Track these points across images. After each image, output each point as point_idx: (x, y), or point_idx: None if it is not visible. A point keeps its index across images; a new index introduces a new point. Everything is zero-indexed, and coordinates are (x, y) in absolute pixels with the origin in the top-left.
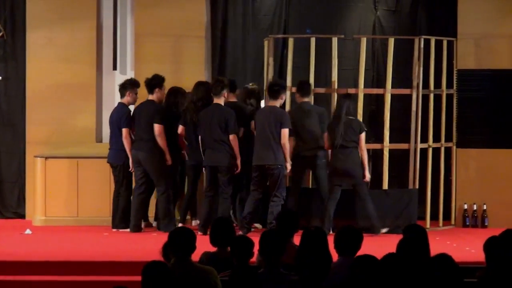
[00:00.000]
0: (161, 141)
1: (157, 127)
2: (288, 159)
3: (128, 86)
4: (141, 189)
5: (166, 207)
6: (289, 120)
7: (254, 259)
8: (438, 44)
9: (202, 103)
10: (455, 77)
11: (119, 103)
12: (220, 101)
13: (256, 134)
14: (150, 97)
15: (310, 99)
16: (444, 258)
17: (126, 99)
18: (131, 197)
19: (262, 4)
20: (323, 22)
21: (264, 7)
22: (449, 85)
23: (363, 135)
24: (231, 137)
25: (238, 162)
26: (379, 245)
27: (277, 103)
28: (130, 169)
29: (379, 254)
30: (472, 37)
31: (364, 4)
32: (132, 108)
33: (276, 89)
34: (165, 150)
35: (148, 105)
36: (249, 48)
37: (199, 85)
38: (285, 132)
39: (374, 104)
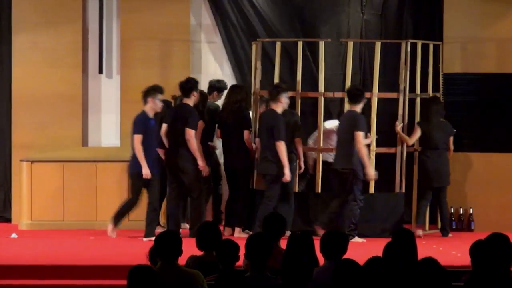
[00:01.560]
0: (192, 146)
1: (188, 131)
2: (367, 163)
3: (152, 92)
4: (174, 194)
5: (199, 213)
6: (364, 124)
7: (240, 263)
8: (425, 48)
9: (237, 106)
10: (441, 81)
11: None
12: (276, 106)
13: (337, 138)
14: (185, 100)
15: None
16: (430, 262)
17: (150, 106)
18: (166, 204)
19: (254, 8)
20: (312, 26)
21: (255, 11)
22: (436, 89)
23: (452, 138)
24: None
25: (286, 170)
26: (366, 249)
27: (358, 107)
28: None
29: (365, 258)
30: (458, 41)
31: (351, 8)
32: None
33: (357, 94)
34: (196, 156)
35: (183, 109)
36: (238, 52)
37: (234, 87)
38: (358, 135)
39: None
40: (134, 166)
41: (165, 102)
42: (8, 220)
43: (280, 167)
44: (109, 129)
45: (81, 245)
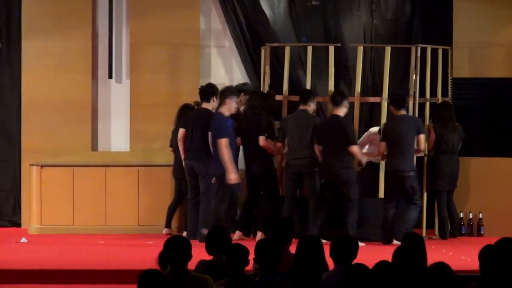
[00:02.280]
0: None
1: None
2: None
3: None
4: (197, 199)
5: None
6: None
7: (250, 267)
8: (434, 53)
9: (254, 111)
10: (450, 86)
11: (217, 113)
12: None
13: (391, 141)
14: (205, 105)
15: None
16: (442, 267)
17: (226, 107)
18: (187, 207)
19: (264, 12)
20: (322, 31)
21: (265, 15)
22: (444, 93)
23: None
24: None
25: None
26: (376, 254)
27: (403, 111)
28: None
29: (375, 263)
30: (468, 46)
31: (361, 13)
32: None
33: (399, 98)
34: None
35: (204, 114)
36: (249, 57)
37: (255, 94)
38: (421, 138)
39: (369, 113)
40: (217, 168)
41: (187, 106)
42: (18, 224)
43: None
44: (118, 133)
45: (90, 249)
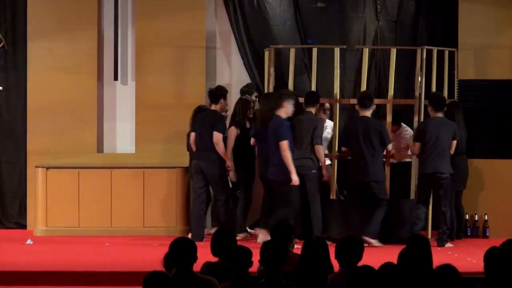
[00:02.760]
0: (220, 149)
1: (216, 135)
2: None
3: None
4: (201, 199)
5: (227, 216)
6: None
7: (255, 269)
8: (440, 55)
9: (271, 114)
10: (456, 87)
11: (276, 115)
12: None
13: (430, 142)
14: (214, 107)
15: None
16: (449, 269)
17: (284, 110)
18: (192, 207)
19: (269, 14)
20: (326, 33)
21: (271, 17)
22: (451, 95)
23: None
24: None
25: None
26: (381, 255)
27: (441, 114)
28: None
29: (380, 264)
30: (473, 48)
31: (366, 15)
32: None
33: (440, 101)
34: (226, 158)
35: (211, 115)
36: (253, 59)
37: (267, 96)
38: (453, 144)
39: (374, 115)
40: (278, 174)
41: (202, 108)
42: (23, 226)
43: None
44: (124, 135)
45: (96, 251)
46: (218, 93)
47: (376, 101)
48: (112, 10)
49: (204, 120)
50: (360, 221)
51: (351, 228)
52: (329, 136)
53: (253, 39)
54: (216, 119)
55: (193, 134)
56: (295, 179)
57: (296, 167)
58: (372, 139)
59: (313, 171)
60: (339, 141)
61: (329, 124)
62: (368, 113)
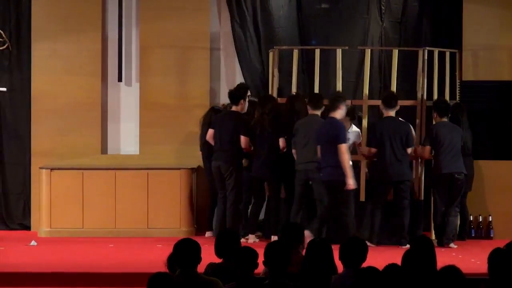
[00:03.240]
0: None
1: (244, 139)
2: None
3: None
4: (225, 198)
5: (237, 217)
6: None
7: (259, 270)
8: (442, 56)
9: (272, 115)
10: (458, 89)
11: (331, 118)
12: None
13: (445, 145)
14: (234, 108)
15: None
16: (453, 270)
17: (340, 112)
18: (217, 207)
19: (273, 15)
20: (330, 34)
21: (274, 19)
22: (453, 96)
23: None
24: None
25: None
26: (385, 257)
27: (445, 119)
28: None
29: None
30: (476, 49)
31: (370, 16)
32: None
33: (444, 107)
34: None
35: (234, 116)
36: (258, 60)
37: (267, 98)
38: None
39: (377, 115)
40: (334, 175)
41: (216, 109)
42: (27, 227)
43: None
44: (128, 137)
45: (100, 252)
46: (237, 94)
47: (379, 102)
48: (116, 11)
49: (224, 121)
50: (382, 224)
51: (372, 229)
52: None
53: (255, 41)
54: (239, 121)
55: (211, 131)
56: (351, 183)
57: (303, 170)
58: (401, 139)
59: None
60: (367, 142)
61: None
62: (393, 113)
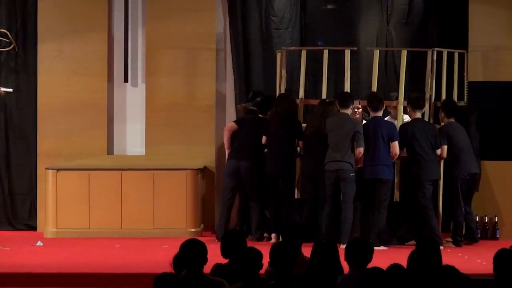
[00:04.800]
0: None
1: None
2: None
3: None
4: (232, 200)
5: (260, 219)
6: None
7: (262, 271)
8: (449, 56)
9: (287, 115)
10: (466, 89)
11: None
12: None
13: (461, 145)
14: (260, 115)
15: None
16: (450, 270)
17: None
18: (223, 207)
19: (277, 17)
20: (337, 35)
21: (279, 20)
22: (460, 97)
23: None
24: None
25: None
26: (391, 257)
27: (452, 119)
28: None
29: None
30: (483, 49)
31: (377, 17)
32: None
33: (453, 108)
34: None
35: (258, 121)
36: (265, 61)
37: (284, 97)
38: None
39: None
40: (384, 173)
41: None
42: (33, 228)
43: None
44: (134, 137)
45: (106, 253)
46: (266, 105)
47: (387, 102)
48: (122, 12)
49: (253, 125)
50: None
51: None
52: None
53: (258, 42)
54: (265, 126)
55: (233, 124)
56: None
57: (332, 170)
58: (430, 140)
59: (351, 174)
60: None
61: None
62: (420, 114)
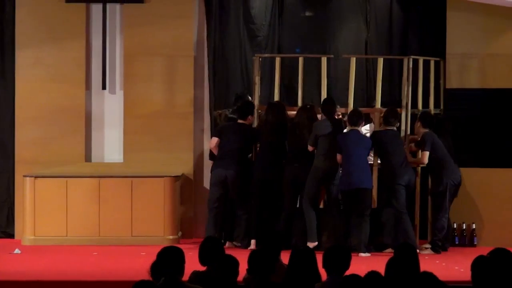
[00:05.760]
0: None
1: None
2: None
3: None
4: (220, 208)
5: (248, 226)
6: None
7: (240, 278)
8: (426, 64)
9: (277, 123)
10: (442, 97)
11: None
12: None
13: (445, 152)
14: (240, 121)
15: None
16: (428, 276)
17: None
18: (211, 217)
19: (255, 24)
20: (315, 42)
21: (257, 27)
22: (437, 104)
23: None
24: None
25: None
26: (368, 264)
27: (427, 129)
28: None
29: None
30: (461, 57)
31: (356, 24)
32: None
33: (430, 120)
34: None
35: (240, 127)
36: (243, 68)
37: (274, 106)
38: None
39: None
40: (368, 182)
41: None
42: (11, 235)
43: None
44: (112, 144)
45: (84, 260)
46: (246, 110)
47: (364, 110)
48: (100, 19)
49: (236, 132)
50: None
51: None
52: None
53: (237, 48)
54: (252, 133)
55: (215, 139)
56: None
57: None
58: (401, 146)
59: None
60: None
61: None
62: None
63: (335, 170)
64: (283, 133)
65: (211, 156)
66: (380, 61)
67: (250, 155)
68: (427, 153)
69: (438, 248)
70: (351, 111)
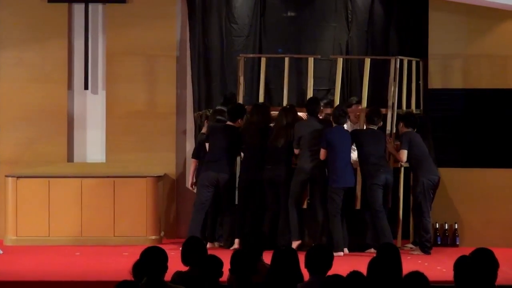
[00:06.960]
0: None
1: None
2: None
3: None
4: (206, 209)
5: (233, 226)
6: None
7: (225, 278)
8: (409, 65)
9: (261, 125)
10: (421, 97)
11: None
12: None
13: (423, 151)
14: (229, 123)
15: None
16: (418, 276)
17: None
18: (197, 218)
19: (238, 24)
20: (297, 42)
21: (239, 27)
22: (418, 105)
23: None
24: None
25: None
26: (351, 264)
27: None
28: None
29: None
30: (443, 57)
31: (338, 25)
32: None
33: (414, 120)
34: None
35: (229, 129)
36: (225, 68)
37: (259, 107)
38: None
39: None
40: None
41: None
42: None
43: None
44: (94, 145)
45: (66, 260)
46: (238, 113)
47: (349, 110)
48: (83, 19)
49: (226, 136)
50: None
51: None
52: None
53: (218, 49)
54: (239, 137)
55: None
56: None
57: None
58: (381, 146)
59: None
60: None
61: None
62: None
63: (320, 170)
64: (267, 134)
65: (195, 154)
66: (367, 62)
67: (238, 157)
68: (404, 151)
69: (427, 249)
70: (335, 108)
